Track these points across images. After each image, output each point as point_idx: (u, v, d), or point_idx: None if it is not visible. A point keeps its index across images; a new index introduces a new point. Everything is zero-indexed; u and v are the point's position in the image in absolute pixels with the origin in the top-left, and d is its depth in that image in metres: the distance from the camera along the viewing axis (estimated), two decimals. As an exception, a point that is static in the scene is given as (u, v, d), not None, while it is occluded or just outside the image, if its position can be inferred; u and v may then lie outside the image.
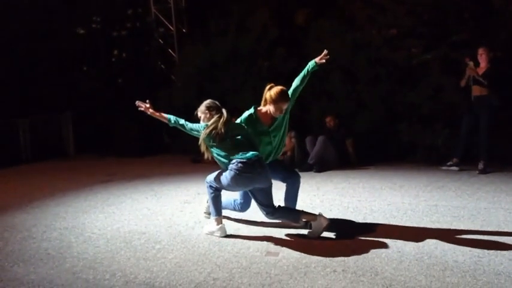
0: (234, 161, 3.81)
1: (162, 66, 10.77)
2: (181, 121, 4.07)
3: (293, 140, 7.39)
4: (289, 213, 4.02)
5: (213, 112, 3.95)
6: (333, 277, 3.08)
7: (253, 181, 3.84)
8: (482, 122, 6.26)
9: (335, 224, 4.21)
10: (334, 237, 3.91)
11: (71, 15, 10.85)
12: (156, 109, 4.23)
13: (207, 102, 4.03)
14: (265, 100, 4.04)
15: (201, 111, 4.02)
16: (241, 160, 3.78)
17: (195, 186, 6.17)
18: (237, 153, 3.81)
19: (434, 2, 7.53)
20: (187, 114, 9.42)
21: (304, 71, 4.17)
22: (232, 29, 9.00)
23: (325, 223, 3.84)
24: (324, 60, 4.21)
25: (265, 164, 3.93)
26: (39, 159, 9.30)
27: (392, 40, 7.80)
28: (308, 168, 6.98)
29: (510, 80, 6.73)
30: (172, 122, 4.08)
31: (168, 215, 4.80)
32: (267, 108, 4.04)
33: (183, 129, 4.07)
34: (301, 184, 6.10)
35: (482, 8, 7.37)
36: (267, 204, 3.93)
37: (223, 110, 3.97)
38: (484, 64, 6.29)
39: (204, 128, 3.92)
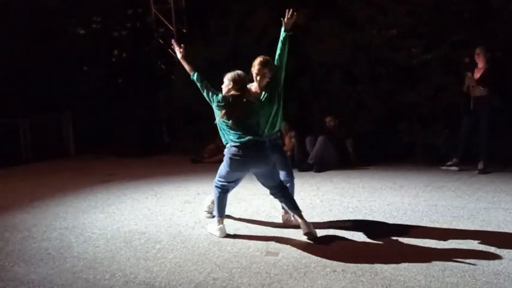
0: (228, 144, 3.82)
1: (162, 66, 10.79)
2: (203, 83, 3.94)
3: (293, 139, 7.40)
4: (290, 202, 3.95)
5: (237, 87, 3.81)
6: (332, 277, 3.08)
7: (247, 165, 3.81)
8: (482, 123, 6.26)
9: (335, 224, 4.22)
10: (334, 237, 3.91)
11: (71, 15, 10.86)
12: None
13: (238, 74, 3.85)
14: (251, 74, 4.05)
15: (227, 78, 3.87)
16: (235, 144, 3.76)
17: (195, 186, 6.18)
18: (236, 134, 3.76)
19: (434, 2, 7.53)
20: (188, 113, 9.42)
21: (279, 42, 4.08)
22: (233, 29, 9.00)
23: (303, 231, 3.82)
24: (289, 22, 4.04)
25: (262, 147, 3.81)
26: (40, 159, 9.30)
27: (393, 40, 7.80)
28: (308, 168, 6.98)
29: (510, 80, 6.73)
30: (194, 77, 4.00)
31: (168, 215, 4.81)
32: (254, 80, 4.06)
33: (200, 88, 3.98)
34: (301, 184, 6.11)
35: (482, 8, 7.37)
36: (269, 186, 3.94)
37: (247, 91, 3.87)
38: (482, 65, 6.30)
39: (219, 100, 3.81)
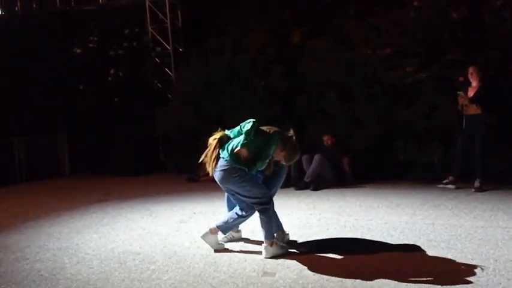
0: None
1: (159, 85, 10.81)
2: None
3: (289, 158, 7.38)
4: (271, 224, 3.99)
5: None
6: (330, 298, 3.04)
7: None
8: (477, 141, 6.28)
9: (332, 244, 4.18)
10: (331, 257, 3.87)
11: (69, 35, 10.94)
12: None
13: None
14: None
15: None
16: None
17: (190, 205, 6.13)
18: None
19: (428, 22, 7.63)
20: (184, 132, 9.42)
21: (245, 135, 3.91)
22: (229, 49, 9.07)
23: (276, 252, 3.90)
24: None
25: (220, 166, 3.96)
26: (34, 179, 9.23)
27: (387, 59, 7.87)
28: (305, 187, 6.96)
29: (504, 99, 6.79)
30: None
31: (163, 234, 4.75)
32: None
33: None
34: (298, 203, 6.08)
35: (475, 27, 7.47)
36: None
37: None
38: (475, 83, 6.37)
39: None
